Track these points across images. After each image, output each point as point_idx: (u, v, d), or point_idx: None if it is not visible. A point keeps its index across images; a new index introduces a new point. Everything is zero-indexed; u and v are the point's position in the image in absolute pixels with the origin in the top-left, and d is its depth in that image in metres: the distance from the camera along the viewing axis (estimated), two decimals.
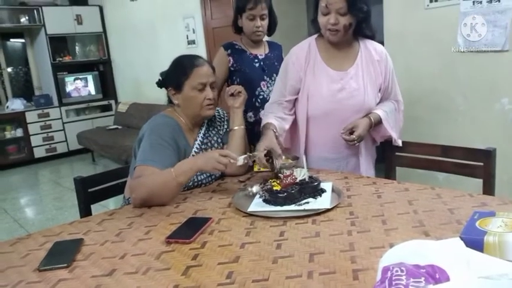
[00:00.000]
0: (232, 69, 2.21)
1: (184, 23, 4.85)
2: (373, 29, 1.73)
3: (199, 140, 1.65)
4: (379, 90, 1.75)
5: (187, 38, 4.88)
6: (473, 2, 2.32)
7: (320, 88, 1.69)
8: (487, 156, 1.55)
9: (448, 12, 2.40)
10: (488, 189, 1.53)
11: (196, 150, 1.62)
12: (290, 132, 1.83)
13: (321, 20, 1.62)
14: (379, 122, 1.71)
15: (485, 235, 0.82)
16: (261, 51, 2.27)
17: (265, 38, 2.33)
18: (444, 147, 1.73)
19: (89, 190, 1.69)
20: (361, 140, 1.68)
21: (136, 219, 1.33)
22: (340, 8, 1.54)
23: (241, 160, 1.47)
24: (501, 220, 0.88)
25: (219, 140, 1.73)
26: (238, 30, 2.25)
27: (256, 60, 2.23)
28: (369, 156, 1.83)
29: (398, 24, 2.47)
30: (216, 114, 1.74)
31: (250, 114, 2.22)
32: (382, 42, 2.01)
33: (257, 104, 2.22)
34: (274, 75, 2.25)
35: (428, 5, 2.49)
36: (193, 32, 4.78)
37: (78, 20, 6.25)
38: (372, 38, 1.75)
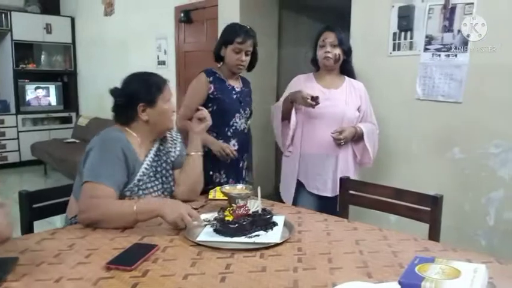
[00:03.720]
0: (211, 96, 2.17)
1: (157, 43, 4.84)
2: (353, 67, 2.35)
3: (151, 157, 1.61)
4: (358, 109, 2.26)
5: (158, 59, 4.86)
6: (433, 54, 2.46)
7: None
8: (434, 202, 1.60)
9: (409, 61, 2.53)
10: (434, 234, 1.58)
11: (147, 167, 1.57)
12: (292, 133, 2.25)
13: (319, 52, 2.24)
14: (361, 135, 2.21)
15: (423, 281, 0.84)
16: (237, 84, 2.27)
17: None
18: (397, 190, 1.77)
19: (34, 206, 1.61)
20: (347, 142, 2.18)
21: (78, 240, 1.27)
22: (333, 41, 2.20)
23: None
24: (439, 267, 0.91)
25: (169, 161, 1.68)
26: (219, 59, 2.24)
27: (234, 92, 2.22)
28: (348, 164, 2.24)
29: (363, 69, 2.57)
30: (168, 135, 1.72)
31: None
32: None
33: (229, 133, 2.21)
34: (247, 109, 2.28)
35: (391, 53, 2.61)
36: (165, 53, 4.78)
37: (48, 28, 6.13)
38: (354, 76, 2.35)
